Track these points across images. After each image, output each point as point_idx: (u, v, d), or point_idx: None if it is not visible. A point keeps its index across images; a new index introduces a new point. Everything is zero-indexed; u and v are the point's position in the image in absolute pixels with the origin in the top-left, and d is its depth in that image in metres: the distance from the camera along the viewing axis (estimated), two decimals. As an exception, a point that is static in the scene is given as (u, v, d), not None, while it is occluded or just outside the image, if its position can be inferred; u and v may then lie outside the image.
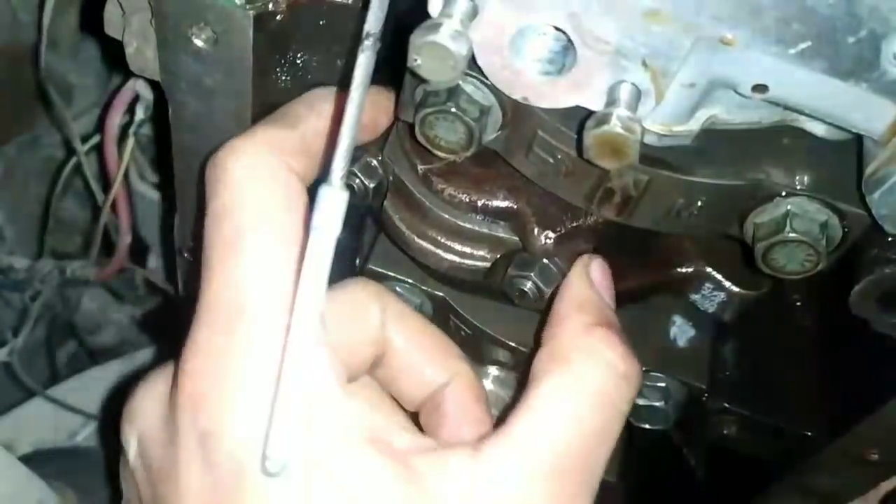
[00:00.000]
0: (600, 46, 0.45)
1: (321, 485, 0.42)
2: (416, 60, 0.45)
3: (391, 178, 0.62)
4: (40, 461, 1.03)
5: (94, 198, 1.11)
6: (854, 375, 0.68)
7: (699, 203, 0.52)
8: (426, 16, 0.46)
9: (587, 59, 0.45)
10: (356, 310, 0.52)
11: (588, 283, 0.54)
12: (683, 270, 0.65)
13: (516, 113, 0.52)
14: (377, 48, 0.44)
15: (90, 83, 1.20)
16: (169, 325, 1.20)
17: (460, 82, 0.50)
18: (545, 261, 0.59)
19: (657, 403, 0.65)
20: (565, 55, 0.47)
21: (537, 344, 0.53)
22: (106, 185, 1.04)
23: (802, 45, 0.42)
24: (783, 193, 0.51)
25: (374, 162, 0.62)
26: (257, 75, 0.56)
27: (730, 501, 0.81)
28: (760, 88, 0.46)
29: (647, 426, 0.66)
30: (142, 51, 0.63)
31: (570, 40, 0.45)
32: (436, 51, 0.44)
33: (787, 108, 0.48)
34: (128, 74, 0.80)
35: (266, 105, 0.59)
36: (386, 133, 0.62)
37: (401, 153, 0.61)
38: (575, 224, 0.58)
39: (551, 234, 0.58)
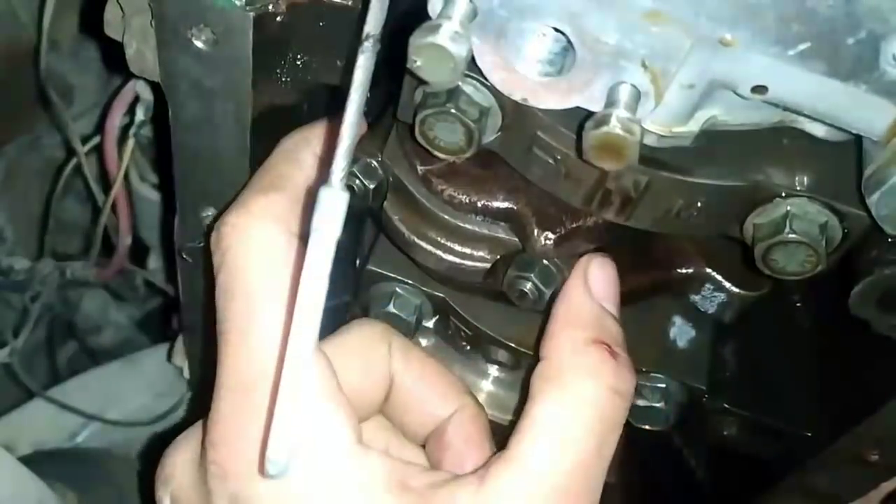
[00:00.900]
0: (600, 47, 0.45)
1: None
2: (415, 62, 0.45)
3: (391, 178, 0.62)
4: (40, 462, 1.03)
5: (94, 199, 1.11)
6: (854, 376, 0.68)
7: (699, 204, 0.52)
8: (426, 17, 0.46)
9: (587, 60, 0.45)
10: (367, 352, 0.54)
11: (584, 291, 0.54)
12: (683, 271, 0.65)
13: (516, 114, 0.52)
14: (377, 49, 0.44)
15: (90, 84, 1.20)
16: (169, 325, 1.20)
17: (460, 83, 0.50)
18: (545, 262, 0.59)
19: (657, 404, 0.65)
20: (565, 56, 0.47)
21: (536, 357, 0.53)
22: (106, 186, 1.04)
23: (802, 46, 0.42)
24: (783, 194, 0.51)
25: (374, 163, 0.62)
26: (257, 76, 0.56)
27: (730, 502, 0.81)
28: (760, 89, 0.46)
29: (647, 427, 0.66)
30: (142, 52, 0.63)
31: (569, 41, 0.45)
32: (435, 52, 0.44)
33: (786, 109, 0.48)
34: (128, 75, 0.80)
35: (266, 106, 0.59)
36: (386, 134, 0.63)
37: (400, 154, 0.61)
38: (575, 225, 0.58)
39: (551, 235, 0.58)
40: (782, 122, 0.51)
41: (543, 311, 0.60)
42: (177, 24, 0.53)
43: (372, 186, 0.62)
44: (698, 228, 0.54)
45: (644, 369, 0.65)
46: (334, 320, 0.71)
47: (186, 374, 1.01)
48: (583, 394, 0.49)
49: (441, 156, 0.53)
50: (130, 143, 0.96)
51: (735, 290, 0.65)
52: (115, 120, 0.95)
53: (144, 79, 0.70)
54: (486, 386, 0.73)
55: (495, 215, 0.60)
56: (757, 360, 0.72)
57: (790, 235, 0.50)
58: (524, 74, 0.48)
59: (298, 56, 0.59)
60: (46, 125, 1.22)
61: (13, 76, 1.12)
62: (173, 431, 0.52)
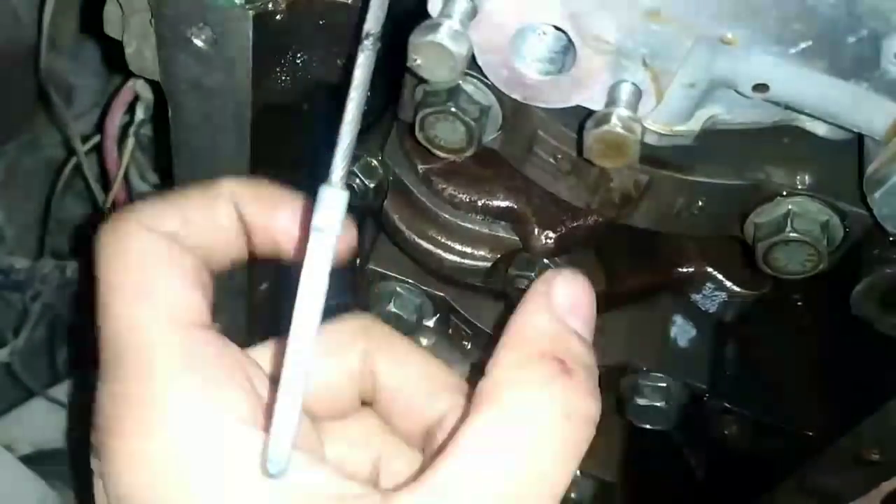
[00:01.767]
0: (600, 46, 0.45)
1: None
2: (415, 60, 0.45)
3: (391, 178, 0.62)
4: (41, 461, 1.03)
5: (94, 198, 1.11)
6: (855, 375, 0.68)
7: (700, 203, 0.52)
8: (426, 15, 0.45)
9: (587, 58, 0.45)
10: (335, 346, 0.51)
11: (541, 304, 0.46)
12: (684, 270, 0.65)
13: (516, 113, 0.52)
14: (377, 48, 0.44)
15: (90, 83, 1.20)
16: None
17: (460, 82, 0.50)
18: (546, 261, 0.59)
19: (658, 403, 0.64)
20: (565, 55, 0.47)
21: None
22: (106, 186, 1.04)
23: (803, 45, 0.42)
24: (784, 193, 0.50)
25: (375, 162, 0.62)
26: (257, 75, 0.55)
27: (730, 501, 0.81)
28: (761, 88, 0.46)
29: (647, 426, 0.66)
30: (141, 51, 0.63)
31: (570, 40, 0.45)
32: (435, 51, 0.44)
33: (787, 107, 0.48)
34: (128, 75, 0.80)
35: (266, 104, 0.59)
36: (386, 133, 0.62)
37: (401, 153, 0.61)
38: (575, 224, 0.58)
39: (552, 234, 0.58)
40: (783, 121, 0.51)
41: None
42: (176, 22, 0.53)
43: (372, 185, 0.62)
44: (699, 227, 0.54)
45: (645, 368, 0.65)
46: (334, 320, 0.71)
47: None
48: (521, 415, 0.41)
49: (441, 155, 0.53)
50: (130, 142, 0.96)
51: (736, 289, 0.65)
52: (115, 119, 0.95)
53: (144, 78, 0.70)
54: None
55: (496, 214, 0.60)
56: (758, 360, 0.72)
57: (791, 234, 0.50)
58: (525, 73, 0.48)
59: (298, 55, 0.59)
60: (46, 124, 1.22)
61: (13, 75, 1.12)
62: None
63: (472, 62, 0.47)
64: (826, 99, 0.45)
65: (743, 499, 0.77)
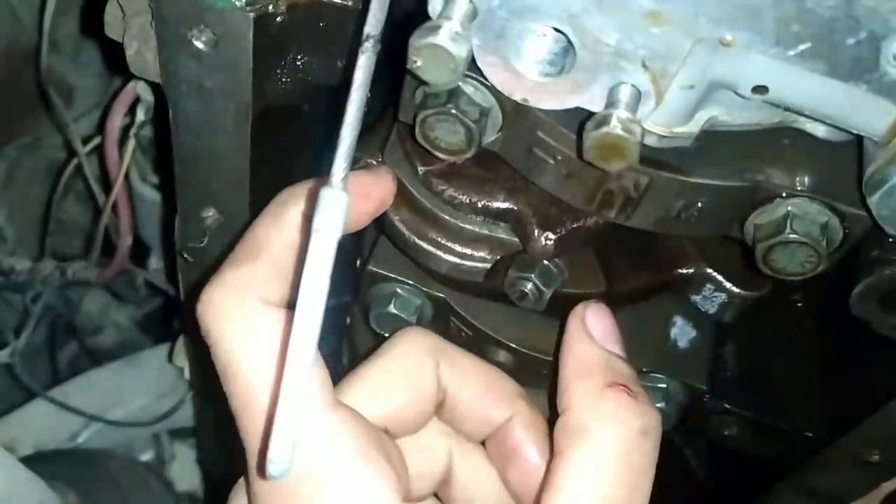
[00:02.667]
0: (600, 48, 0.45)
1: None
2: (415, 62, 0.45)
3: (391, 179, 0.62)
4: (42, 462, 1.03)
5: (95, 199, 1.11)
6: (855, 376, 0.68)
7: (699, 204, 0.52)
8: (426, 17, 0.46)
9: (587, 60, 0.45)
10: (409, 372, 0.53)
11: (586, 338, 0.53)
12: (684, 271, 0.66)
13: (516, 114, 0.52)
14: (377, 50, 0.44)
15: (91, 85, 1.20)
16: (170, 326, 1.20)
17: (460, 84, 0.50)
18: (546, 262, 0.59)
19: (658, 404, 0.64)
20: (565, 57, 0.47)
21: (553, 411, 0.52)
22: (107, 187, 1.04)
23: (802, 47, 0.42)
24: (783, 194, 0.51)
25: (374, 163, 0.62)
26: (257, 77, 0.56)
27: (730, 502, 0.81)
28: (760, 90, 0.46)
29: (647, 427, 0.66)
30: (142, 53, 0.63)
31: (569, 42, 0.45)
32: (435, 52, 0.44)
33: (787, 109, 0.48)
34: (128, 76, 0.80)
35: (266, 107, 0.59)
36: (386, 134, 0.63)
37: (401, 154, 0.61)
38: (575, 225, 0.58)
39: (552, 236, 0.58)
40: (783, 123, 0.51)
41: (547, 313, 0.60)
42: (177, 24, 0.53)
43: (372, 187, 0.62)
44: (699, 229, 0.54)
45: (644, 369, 0.65)
46: (335, 321, 0.72)
47: (187, 374, 1.01)
48: (610, 443, 0.48)
49: (441, 156, 0.53)
50: (131, 143, 0.96)
51: (736, 290, 0.65)
52: (116, 120, 0.95)
53: (145, 79, 0.70)
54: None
55: (496, 216, 0.60)
56: (757, 361, 0.72)
57: (791, 236, 0.50)
58: (524, 75, 0.48)
59: (298, 56, 0.59)
60: (47, 126, 1.22)
61: (14, 77, 1.12)
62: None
63: (472, 64, 0.47)
64: (825, 101, 0.45)
65: (743, 499, 0.77)
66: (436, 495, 0.56)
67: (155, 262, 1.18)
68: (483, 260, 0.62)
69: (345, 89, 0.44)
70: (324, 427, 0.47)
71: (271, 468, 0.40)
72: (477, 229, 0.61)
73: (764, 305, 0.66)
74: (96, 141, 1.04)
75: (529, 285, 0.59)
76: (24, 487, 0.86)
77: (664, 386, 0.65)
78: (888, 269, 0.51)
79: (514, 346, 0.66)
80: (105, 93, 1.19)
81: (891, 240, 0.51)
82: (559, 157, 0.52)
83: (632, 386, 0.51)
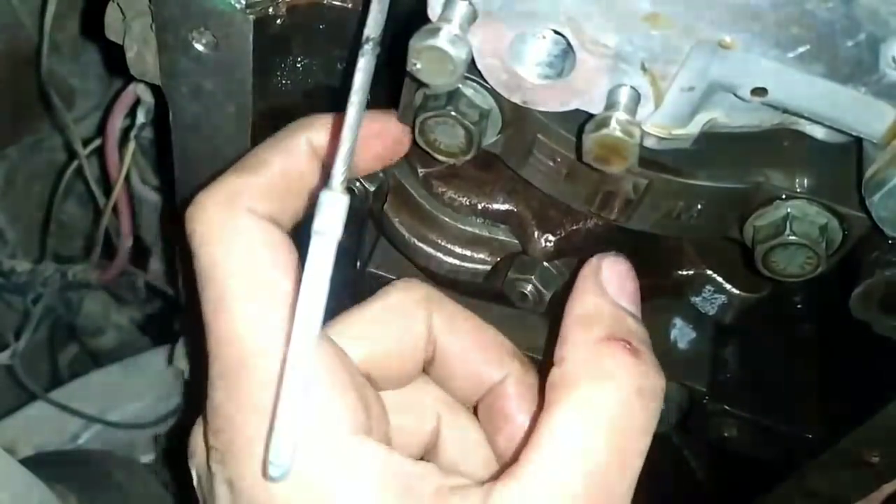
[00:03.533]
0: (599, 50, 0.45)
1: None
2: (415, 64, 0.45)
3: (391, 181, 0.62)
4: (42, 464, 1.03)
5: (95, 201, 1.11)
6: (854, 378, 0.68)
7: (699, 206, 0.52)
8: (426, 20, 0.46)
9: (586, 62, 0.45)
10: (399, 319, 0.52)
11: (596, 289, 0.50)
12: (684, 273, 0.66)
13: (516, 116, 0.52)
14: (377, 52, 0.44)
15: (91, 87, 1.20)
16: (170, 327, 1.20)
17: (460, 86, 0.50)
18: (545, 264, 0.59)
19: (658, 406, 0.65)
20: (564, 59, 0.47)
21: (549, 362, 0.50)
22: (107, 189, 1.04)
23: (801, 49, 0.42)
24: (783, 196, 0.51)
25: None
26: (257, 79, 0.56)
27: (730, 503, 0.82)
28: (760, 92, 0.46)
29: (647, 428, 0.66)
30: (142, 55, 0.64)
31: (569, 44, 0.45)
32: (435, 55, 0.44)
33: (786, 111, 0.48)
34: (129, 78, 0.80)
35: (266, 108, 0.59)
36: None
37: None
38: (575, 227, 0.58)
39: (551, 237, 0.58)
40: (782, 125, 0.51)
41: (547, 315, 0.60)
42: (177, 26, 0.53)
43: (372, 189, 0.62)
44: (698, 230, 0.54)
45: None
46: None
47: (188, 376, 1.01)
48: (600, 400, 0.45)
49: (441, 158, 0.53)
50: (131, 145, 0.96)
51: (735, 291, 0.65)
52: (116, 122, 0.95)
53: (145, 81, 0.70)
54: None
55: (495, 217, 0.60)
56: (757, 362, 0.72)
57: (790, 237, 0.50)
58: (524, 77, 0.48)
59: (298, 59, 0.59)
60: (48, 127, 1.22)
61: (14, 79, 1.12)
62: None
63: (472, 66, 0.47)
64: (824, 102, 0.45)
65: (743, 501, 0.77)
66: None
67: (155, 263, 1.18)
68: (483, 262, 0.62)
69: (345, 91, 0.44)
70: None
71: (272, 470, 0.40)
72: (477, 231, 0.61)
73: (763, 307, 0.66)
74: (97, 143, 1.04)
75: (529, 287, 0.59)
76: (24, 489, 0.86)
77: (664, 387, 0.65)
78: (888, 271, 0.51)
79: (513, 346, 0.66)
80: (105, 95, 1.19)
81: (890, 241, 0.51)
82: (559, 159, 0.52)
83: (636, 343, 0.47)
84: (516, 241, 0.60)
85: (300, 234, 0.46)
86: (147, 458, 1.25)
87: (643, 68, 0.45)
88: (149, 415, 1.18)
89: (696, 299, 0.66)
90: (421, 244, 0.61)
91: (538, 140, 0.52)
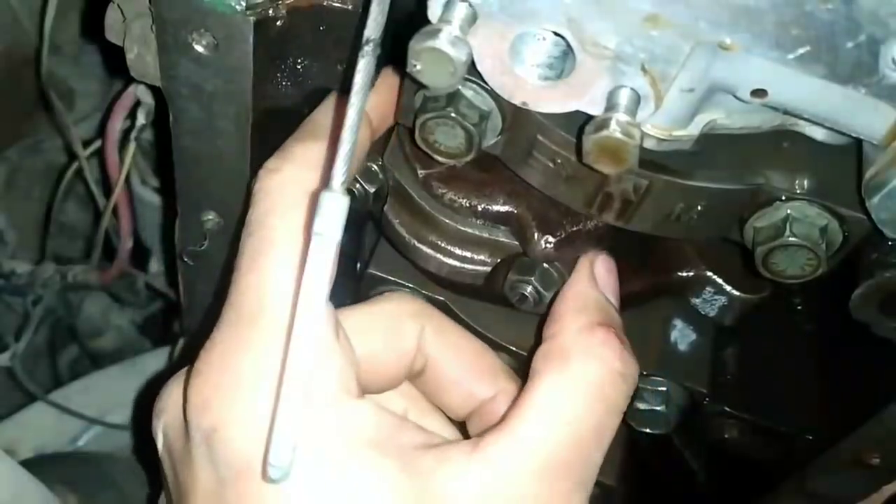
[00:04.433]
0: (599, 51, 0.45)
1: (320, 486, 0.44)
2: (415, 66, 0.45)
3: (391, 182, 0.62)
4: (42, 466, 1.03)
5: (95, 202, 1.11)
6: (855, 379, 0.68)
7: (699, 207, 0.52)
8: (426, 21, 0.46)
9: (586, 64, 0.45)
10: (389, 325, 0.53)
11: (591, 281, 0.55)
12: (684, 274, 0.66)
13: (516, 118, 0.52)
14: (377, 53, 0.44)
15: (91, 88, 1.20)
16: (170, 329, 1.20)
17: (460, 87, 0.50)
18: (545, 265, 0.59)
19: (658, 407, 0.64)
20: (564, 60, 0.47)
21: (538, 340, 0.54)
22: (107, 190, 1.04)
23: (801, 50, 0.42)
24: (783, 197, 0.51)
25: (375, 166, 0.62)
26: (258, 81, 0.56)
27: (731, 505, 0.81)
28: (760, 93, 0.46)
29: (647, 430, 0.66)
30: (143, 56, 0.64)
31: (569, 45, 0.45)
32: (435, 56, 0.44)
33: (786, 112, 0.48)
34: (129, 79, 0.80)
35: (266, 110, 0.59)
36: (386, 138, 0.63)
37: (401, 158, 0.61)
38: (575, 228, 0.58)
39: (551, 239, 0.58)
40: (782, 126, 0.51)
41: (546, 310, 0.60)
42: (177, 28, 0.53)
43: (372, 190, 0.62)
44: (698, 232, 0.54)
45: (645, 372, 0.65)
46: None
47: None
48: (586, 373, 0.49)
49: (441, 159, 0.53)
50: (131, 146, 0.96)
51: (735, 293, 0.65)
52: (116, 124, 0.95)
53: (145, 83, 0.70)
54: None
55: (496, 219, 0.60)
56: (758, 363, 0.72)
57: (790, 239, 0.50)
58: (524, 78, 0.48)
59: (299, 60, 0.59)
60: (48, 129, 1.22)
61: (15, 80, 1.12)
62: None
63: (472, 67, 0.47)
64: (824, 104, 0.45)
65: (743, 502, 0.77)
66: None
67: (155, 265, 1.18)
68: (483, 263, 0.62)
69: (345, 93, 0.44)
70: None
71: (272, 472, 0.40)
72: (477, 232, 0.61)
73: (764, 308, 0.66)
74: (97, 144, 1.04)
75: (529, 288, 0.59)
76: (24, 491, 0.86)
77: (664, 389, 0.65)
78: (888, 272, 0.51)
79: (514, 348, 0.66)
80: (105, 96, 1.19)
81: (890, 243, 0.51)
82: (559, 161, 0.52)
83: (620, 333, 0.52)
84: (516, 243, 0.60)
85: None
86: (147, 459, 1.25)
87: (643, 69, 0.45)
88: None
89: (696, 301, 0.66)
90: (421, 245, 0.61)
91: (538, 141, 0.52)
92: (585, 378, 0.49)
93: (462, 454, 0.47)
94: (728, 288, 0.65)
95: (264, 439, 0.42)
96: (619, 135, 0.45)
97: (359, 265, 0.71)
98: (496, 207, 0.59)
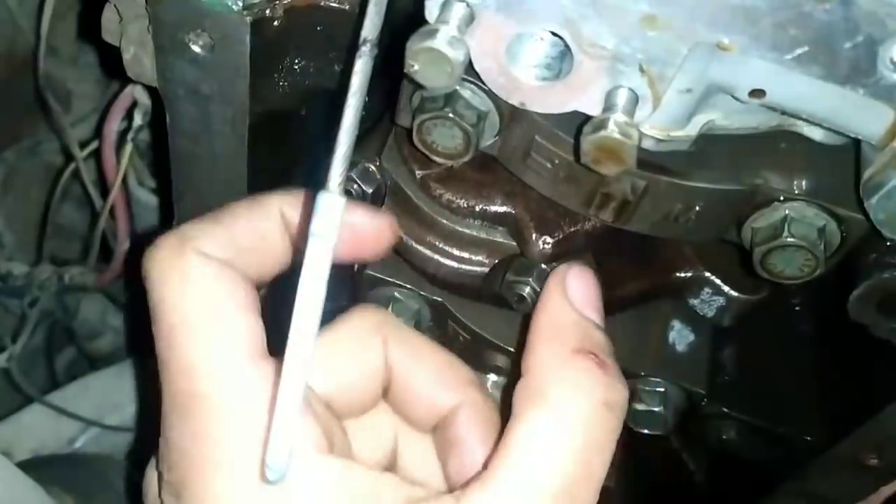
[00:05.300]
0: (597, 52, 0.45)
1: None
2: (413, 66, 0.45)
3: (389, 183, 0.62)
4: (39, 467, 1.03)
5: (92, 204, 1.11)
6: (853, 380, 0.68)
7: (697, 208, 0.52)
8: (423, 22, 0.46)
9: (584, 64, 0.45)
10: (359, 345, 0.52)
11: (563, 301, 0.50)
12: (682, 275, 0.65)
13: (514, 118, 0.52)
14: (374, 54, 0.44)
15: (88, 89, 1.20)
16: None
17: (458, 88, 0.50)
18: (543, 266, 0.59)
19: (656, 408, 0.64)
20: (562, 61, 0.47)
21: (516, 374, 0.50)
22: (104, 191, 1.04)
23: (799, 51, 0.42)
24: (781, 198, 0.51)
25: (372, 167, 0.62)
26: (254, 81, 0.56)
27: (729, 506, 0.81)
28: (758, 93, 0.46)
29: (645, 431, 0.66)
30: (139, 57, 0.63)
31: (567, 46, 0.45)
32: (433, 56, 0.44)
33: (784, 112, 0.48)
34: (126, 81, 0.80)
35: (263, 111, 0.59)
36: (384, 138, 0.63)
37: (399, 158, 0.61)
38: (573, 229, 0.58)
39: (549, 239, 0.58)
40: (780, 126, 0.51)
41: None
42: (174, 29, 0.53)
43: (370, 191, 0.62)
44: (697, 232, 0.54)
45: (643, 373, 0.65)
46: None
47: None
48: (569, 411, 0.45)
49: (439, 160, 0.53)
50: (128, 147, 0.96)
51: (734, 293, 0.65)
52: (113, 125, 0.95)
53: (142, 84, 0.70)
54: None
55: (493, 219, 0.60)
56: (756, 364, 0.72)
57: (788, 239, 0.50)
58: (522, 79, 0.48)
59: (296, 61, 0.59)
60: (45, 130, 1.22)
61: (11, 81, 1.12)
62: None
63: (470, 68, 0.47)
64: (822, 104, 0.45)
65: (741, 503, 0.77)
66: None
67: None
68: (481, 264, 0.61)
69: (342, 93, 0.44)
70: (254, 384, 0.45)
71: (269, 474, 0.40)
72: (475, 233, 0.60)
73: (762, 309, 0.66)
74: (94, 145, 1.04)
75: (527, 289, 0.59)
76: (21, 493, 0.86)
77: (662, 390, 0.65)
78: (886, 273, 0.51)
79: (511, 349, 0.66)
80: (102, 97, 1.19)
81: (888, 243, 0.51)
82: (557, 161, 0.52)
83: (603, 356, 0.48)
84: (514, 243, 0.60)
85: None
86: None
87: (641, 70, 0.45)
88: (146, 418, 1.18)
89: (694, 301, 0.66)
90: (418, 246, 0.61)
91: (536, 142, 0.52)
92: (567, 416, 0.45)
93: None
94: (726, 289, 0.65)
95: None
96: (617, 135, 0.45)
97: (356, 266, 0.71)
98: (494, 208, 0.59)
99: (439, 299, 0.66)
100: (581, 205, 0.54)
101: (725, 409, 0.69)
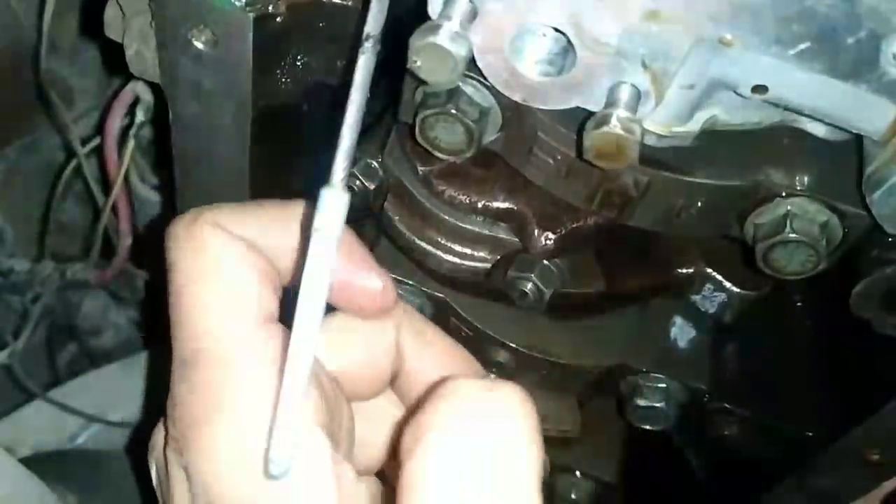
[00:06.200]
0: (600, 48, 0.45)
1: None
2: (415, 62, 0.45)
3: (391, 179, 0.62)
4: (41, 464, 1.03)
5: (94, 200, 1.11)
6: (855, 376, 0.68)
7: (699, 204, 0.52)
8: (426, 17, 0.46)
9: (587, 60, 0.45)
10: (370, 326, 0.52)
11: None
12: (684, 271, 0.66)
13: (516, 114, 0.52)
14: (377, 50, 0.44)
15: (90, 85, 1.20)
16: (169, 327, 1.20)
17: (460, 84, 0.50)
18: (546, 262, 0.59)
19: (657, 404, 0.65)
20: (565, 56, 0.47)
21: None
22: (106, 188, 1.04)
23: (802, 46, 0.42)
24: (783, 194, 0.51)
25: (375, 163, 0.62)
26: (257, 77, 0.56)
27: (730, 502, 0.81)
28: (760, 89, 0.46)
29: (647, 427, 0.66)
30: (142, 53, 0.63)
31: (569, 42, 0.45)
32: (435, 52, 0.44)
33: (787, 108, 0.48)
34: (128, 77, 0.80)
35: (266, 107, 0.59)
36: (386, 135, 0.63)
37: (401, 155, 0.61)
38: (575, 225, 0.58)
39: (552, 235, 0.58)
40: (783, 122, 0.51)
41: (547, 313, 0.60)
42: (177, 25, 0.53)
43: (372, 187, 0.62)
44: (699, 228, 0.54)
45: (644, 369, 0.65)
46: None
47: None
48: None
49: (441, 156, 0.53)
50: (130, 144, 0.96)
51: (735, 289, 0.65)
52: (115, 121, 0.95)
53: (144, 80, 0.70)
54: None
55: (496, 215, 0.60)
56: (757, 360, 0.72)
57: (790, 235, 0.50)
58: (524, 75, 0.48)
59: (298, 56, 0.59)
60: (46, 127, 1.22)
61: (13, 78, 1.12)
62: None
63: (472, 64, 0.47)
64: (825, 100, 0.45)
65: (743, 499, 0.77)
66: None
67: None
68: (483, 260, 0.62)
69: (345, 89, 0.44)
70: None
71: (273, 468, 0.40)
72: (477, 229, 0.61)
73: (764, 305, 0.66)
74: (96, 142, 1.04)
75: (529, 285, 0.59)
76: (23, 489, 0.86)
77: (664, 386, 0.65)
78: (888, 269, 0.51)
79: (514, 345, 0.66)
80: (104, 93, 1.18)
81: (891, 239, 0.51)
82: (559, 157, 0.52)
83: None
84: (517, 239, 0.60)
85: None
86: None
87: (644, 66, 0.45)
88: (148, 414, 1.18)
89: (696, 297, 0.66)
90: (421, 242, 0.61)
91: (539, 138, 0.52)
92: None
93: None
94: (728, 284, 0.65)
95: (230, 475, 0.43)
96: (619, 131, 0.45)
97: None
98: (496, 204, 0.59)
99: (441, 295, 0.66)
100: (583, 200, 0.54)
101: (727, 406, 0.69)
